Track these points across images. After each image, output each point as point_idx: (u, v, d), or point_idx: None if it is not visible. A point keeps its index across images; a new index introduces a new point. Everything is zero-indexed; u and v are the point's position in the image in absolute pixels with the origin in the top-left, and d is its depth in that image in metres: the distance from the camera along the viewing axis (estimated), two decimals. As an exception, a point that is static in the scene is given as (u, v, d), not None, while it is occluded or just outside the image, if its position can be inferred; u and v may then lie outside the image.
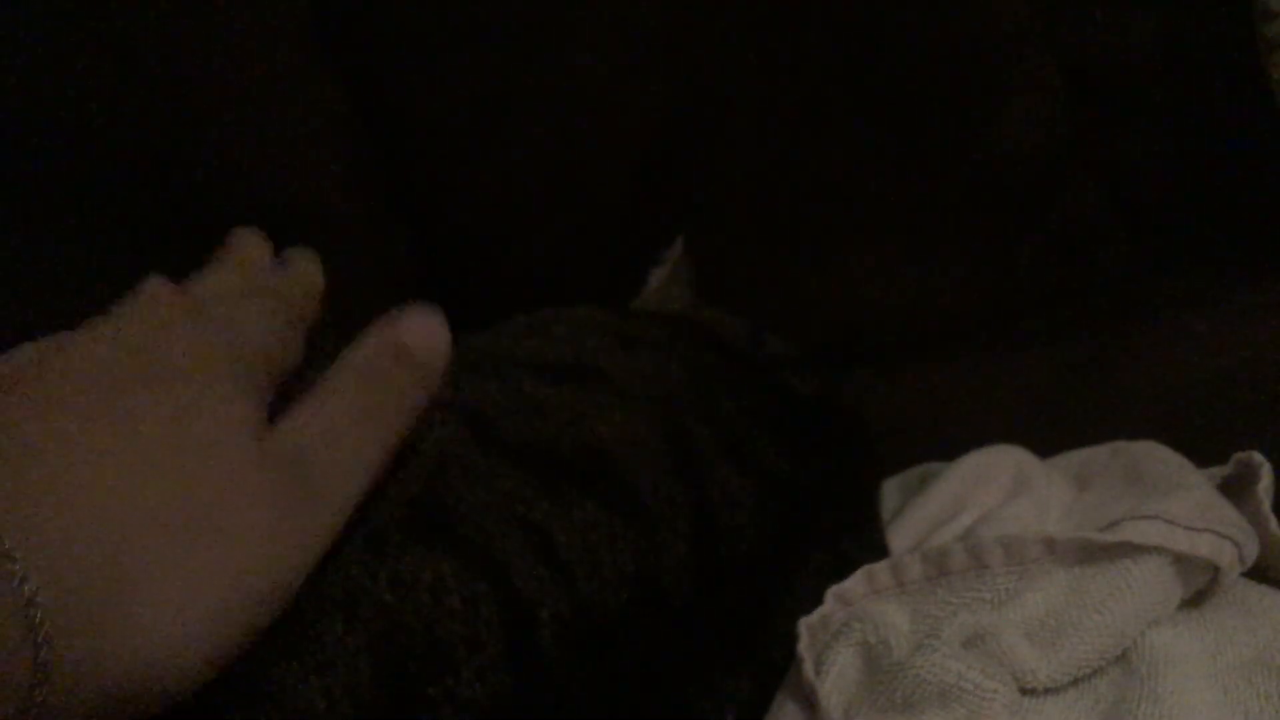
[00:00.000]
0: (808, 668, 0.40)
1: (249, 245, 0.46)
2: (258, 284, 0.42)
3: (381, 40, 0.75)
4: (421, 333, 0.39)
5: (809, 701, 0.40)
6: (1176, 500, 0.44)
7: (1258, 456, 0.49)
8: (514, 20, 0.74)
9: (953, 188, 0.76)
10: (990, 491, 0.50)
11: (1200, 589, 0.43)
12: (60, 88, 0.62)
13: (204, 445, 0.33)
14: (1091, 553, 0.42)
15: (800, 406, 0.47)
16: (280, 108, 0.68)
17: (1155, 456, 0.51)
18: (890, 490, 0.53)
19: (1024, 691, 0.40)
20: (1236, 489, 0.48)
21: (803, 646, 0.41)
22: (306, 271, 0.45)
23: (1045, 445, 0.55)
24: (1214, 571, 0.43)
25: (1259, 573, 0.45)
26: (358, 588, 0.33)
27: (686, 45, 0.74)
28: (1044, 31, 0.77)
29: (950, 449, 0.54)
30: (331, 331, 0.42)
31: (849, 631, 0.41)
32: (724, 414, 0.43)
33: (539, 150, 0.72)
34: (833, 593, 0.42)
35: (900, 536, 0.48)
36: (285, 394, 0.37)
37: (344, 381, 0.37)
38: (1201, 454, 0.51)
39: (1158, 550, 0.41)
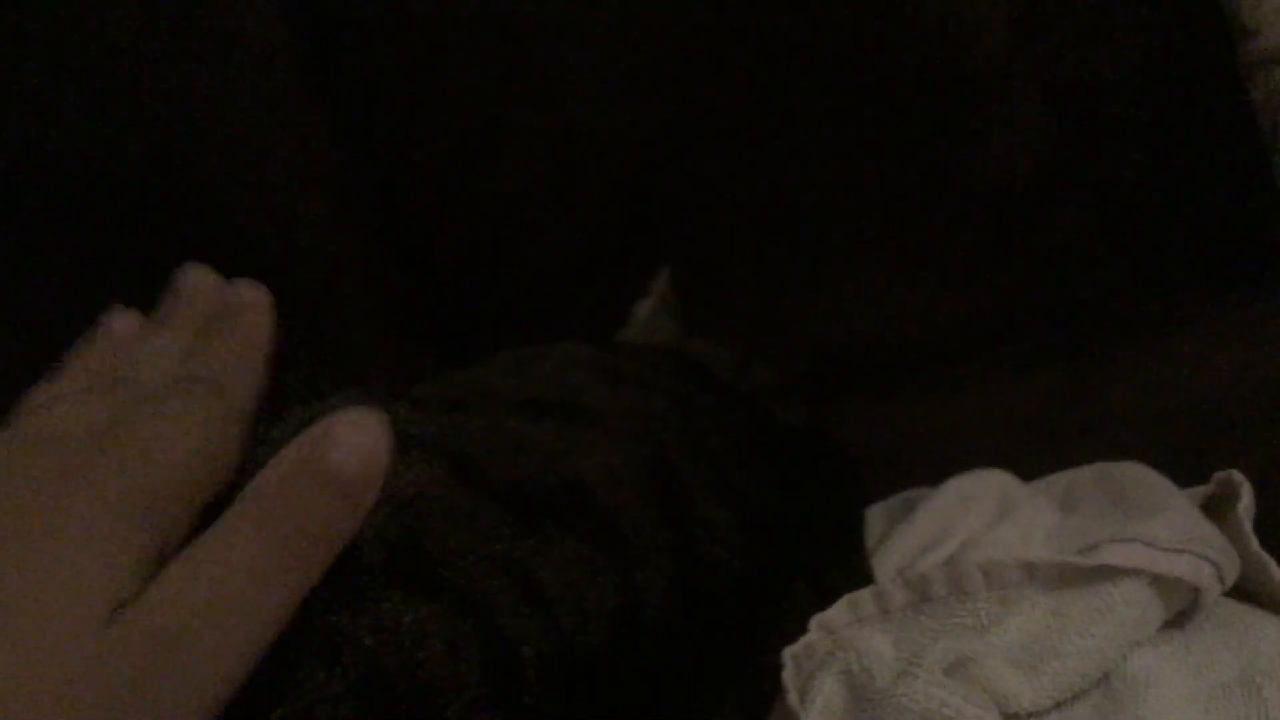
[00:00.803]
0: (793, 698, 0.40)
1: (196, 293, 0.42)
2: (193, 366, 0.38)
3: (370, 77, 0.76)
4: (352, 450, 0.32)
5: (796, 731, 0.40)
6: (1157, 522, 0.45)
7: (1237, 475, 0.49)
8: (498, 55, 0.75)
9: (939, 212, 0.77)
10: (975, 516, 0.51)
11: (1183, 610, 0.44)
12: (53, 128, 0.63)
13: (33, 645, 0.28)
14: (1072, 576, 0.42)
15: (785, 437, 0.48)
16: (270, 150, 0.69)
17: (1138, 478, 0.51)
18: (876, 516, 0.53)
19: (1007, 716, 0.40)
20: (1218, 508, 0.49)
21: (787, 676, 0.41)
22: (251, 333, 0.41)
23: (1032, 467, 0.55)
24: (1195, 593, 0.43)
25: (1244, 592, 0.46)
26: (339, 634, 0.33)
27: (673, 75, 0.75)
28: (1027, 55, 0.77)
29: (937, 474, 0.55)
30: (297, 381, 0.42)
31: (833, 660, 0.41)
32: (708, 448, 0.44)
33: (526, 182, 0.73)
34: (816, 621, 0.43)
35: (886, 563, 0.49)
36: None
37: (248, 521, 0.31)
38: (1186, 474, 0.52)
39: (1137, 573, 0.42)
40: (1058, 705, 0.41)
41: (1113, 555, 0.42)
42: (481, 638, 0.35)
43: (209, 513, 0.33)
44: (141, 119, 0.66)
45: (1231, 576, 0.44)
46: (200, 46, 0.68)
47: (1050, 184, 0.75)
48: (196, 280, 0.43)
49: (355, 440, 0.33)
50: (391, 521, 0.37)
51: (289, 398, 0.42)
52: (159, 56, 0.66)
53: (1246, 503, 0.48)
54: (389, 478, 0.34)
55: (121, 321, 0.40)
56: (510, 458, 0.40)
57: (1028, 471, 0.54)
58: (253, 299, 0.42)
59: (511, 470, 0.39)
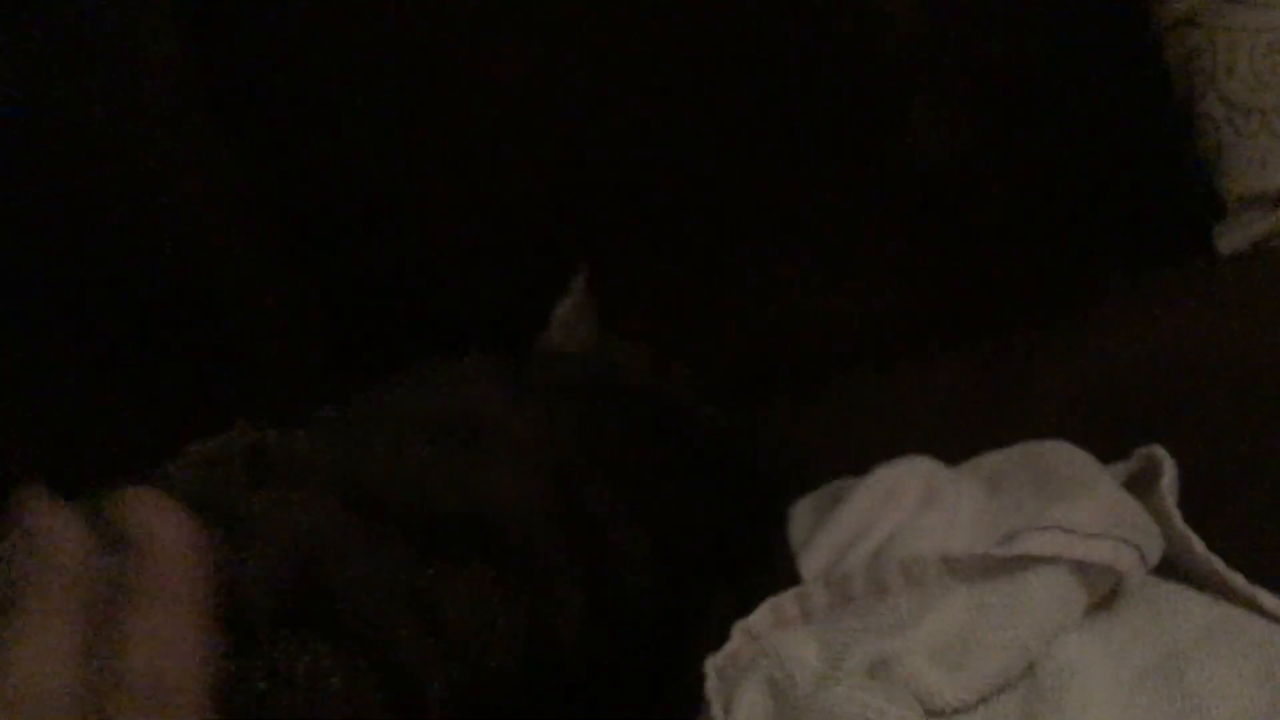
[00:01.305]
0: (716, 710, 0.40)
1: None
2: None
3: (274, 95, 0.75)
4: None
5: (722, 743, 0.40)
6: (1077, 505, 0.44)
7: (1160, 451, 0.49)
8: (411, 58, 0.74)
9: (862, 200, 0.76)
10: (900, 506, 0.50)
11: (1106, 593, 0.44)
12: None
13: None
14: (991, 568, 0.42)
15: (700, 441, 0.47)
16: (181, 181, 0.68)
17: (1062, 457, 0.51)
18: (804, 510, 0.53)
19: (932, 714, 0.40)
20: (1143, 484, 0.49)
21: (710, 688, 0.40)
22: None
23: (960, 451, 0.55)
24: (1118, 576, 0.43)
25: (1170, 569, 0.46)
26: (232, 685, 0.32)
27: (588, 73, 0.74)
28: (942, 36, 0.77)
29: (867, 464, 0.54)
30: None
31: (755, 668, 0.41)
32: (619, 464, 0.43)
33: (441, 186, 0.72)
34: (739, 628, 0.42)
35: (812, 561, 0.48)
36: None
37: None
38: (1111, 450, 0.51)
39: (1057, 560, 0.41)
40: (984, 700, 0.40)
41: (1031, 543, 0.41)
42: (382, 674, 0.34)
43: None
44: (38, 141, 0.64)
45: (1154, 557, 0.44)
46: (99, 68, 0.67)
47: (971, 167, 0.75)
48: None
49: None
50: (284, 561, 0.36)
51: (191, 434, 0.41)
52: (59, 76, 0.65)
53: (1169, 478, 0.48)
54: (280, 513, 0.34)
55: None
56: (410, 485, 0.39)
57: (956, 455, 0.54)
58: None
59: (411, 498, 0.38)
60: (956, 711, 0.40)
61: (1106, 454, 0.51)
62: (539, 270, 0.67)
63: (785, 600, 0.43)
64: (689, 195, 0.72)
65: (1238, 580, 0.43)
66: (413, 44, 0.74)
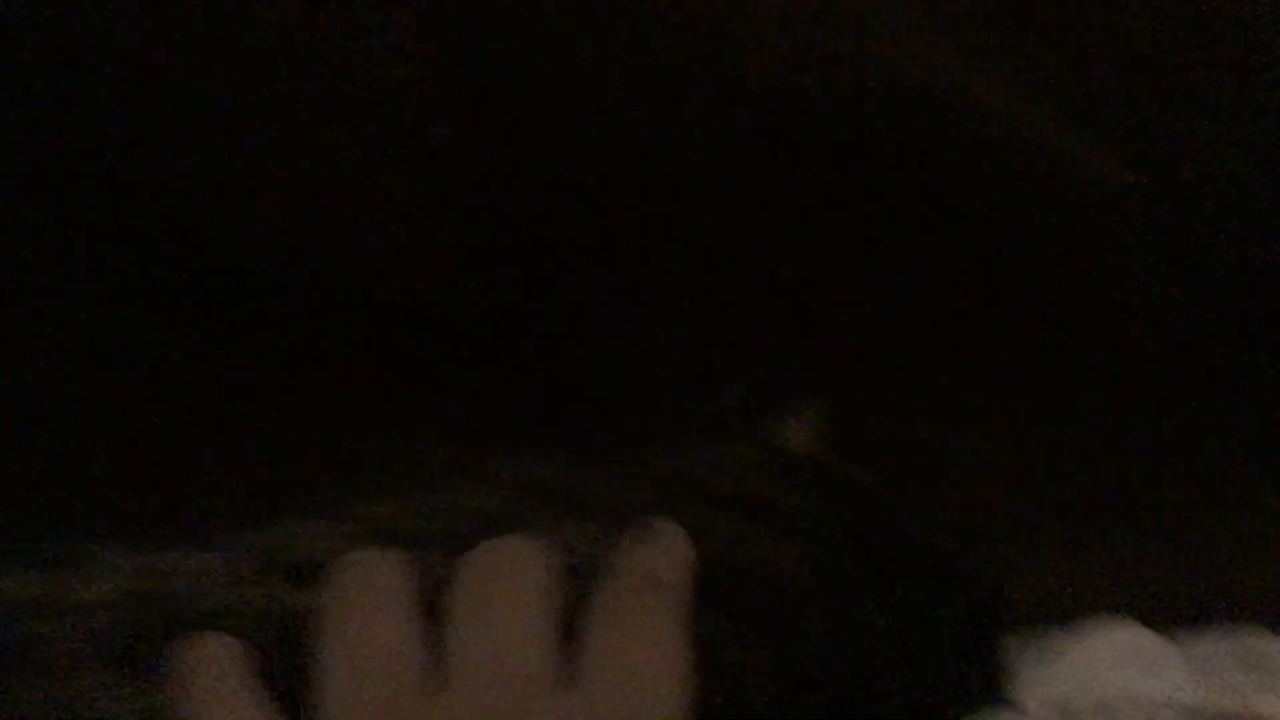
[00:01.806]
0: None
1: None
2: None
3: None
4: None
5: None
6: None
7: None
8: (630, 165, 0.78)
9: (1064, 379, 0.78)
10: (1116, 666, 0.51)
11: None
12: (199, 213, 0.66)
13: None
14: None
15: (934, 558, 0.49)
16: (389, 217, 0.71)
17: (1271, 643, 0.52)
18: (1017, 653, 0.54)
19: None
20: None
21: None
22: None
23: (1167, 626, 0.56)
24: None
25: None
26: None
27: (804, 206, 0.78)
28: (1161, 233, 0.79)
29: (1074, 621, 0.56)
30: None
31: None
32: (869, 558, 0.45)
33: (660, 285, 0.75)
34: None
35: (1030, 701, 0.49)
36: None
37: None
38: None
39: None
40: None
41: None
42: None
43: None
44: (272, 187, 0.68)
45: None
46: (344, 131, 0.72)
47: (1174, 361, 0.76)
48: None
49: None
50: None
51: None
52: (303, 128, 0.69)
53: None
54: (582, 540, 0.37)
55: None
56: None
57: (1164, 630, 0.55)
58: None
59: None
60: None
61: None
62: (770, 385, 0.70)
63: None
64: (912, 335, 0.74)
65: None
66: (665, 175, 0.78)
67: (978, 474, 0.72)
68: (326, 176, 0.69)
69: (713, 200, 0.75)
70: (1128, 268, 0.80)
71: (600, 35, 0.74)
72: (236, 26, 0.68)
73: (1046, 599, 0.61)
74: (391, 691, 0.33)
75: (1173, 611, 0.57)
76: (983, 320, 0.76)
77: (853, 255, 0.76)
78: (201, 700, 0.34)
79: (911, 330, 0.75)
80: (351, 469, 0.66)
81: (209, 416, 0.64)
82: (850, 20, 0.76)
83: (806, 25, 0.76)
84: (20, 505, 0.57)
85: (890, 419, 0.72)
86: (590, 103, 0.73)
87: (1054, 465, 0.76)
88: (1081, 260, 0.77)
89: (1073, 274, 0.77)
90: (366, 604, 0.34)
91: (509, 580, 0.35)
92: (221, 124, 0.68)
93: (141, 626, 0.37)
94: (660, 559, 0.36)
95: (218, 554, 0.41)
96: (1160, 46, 0.82)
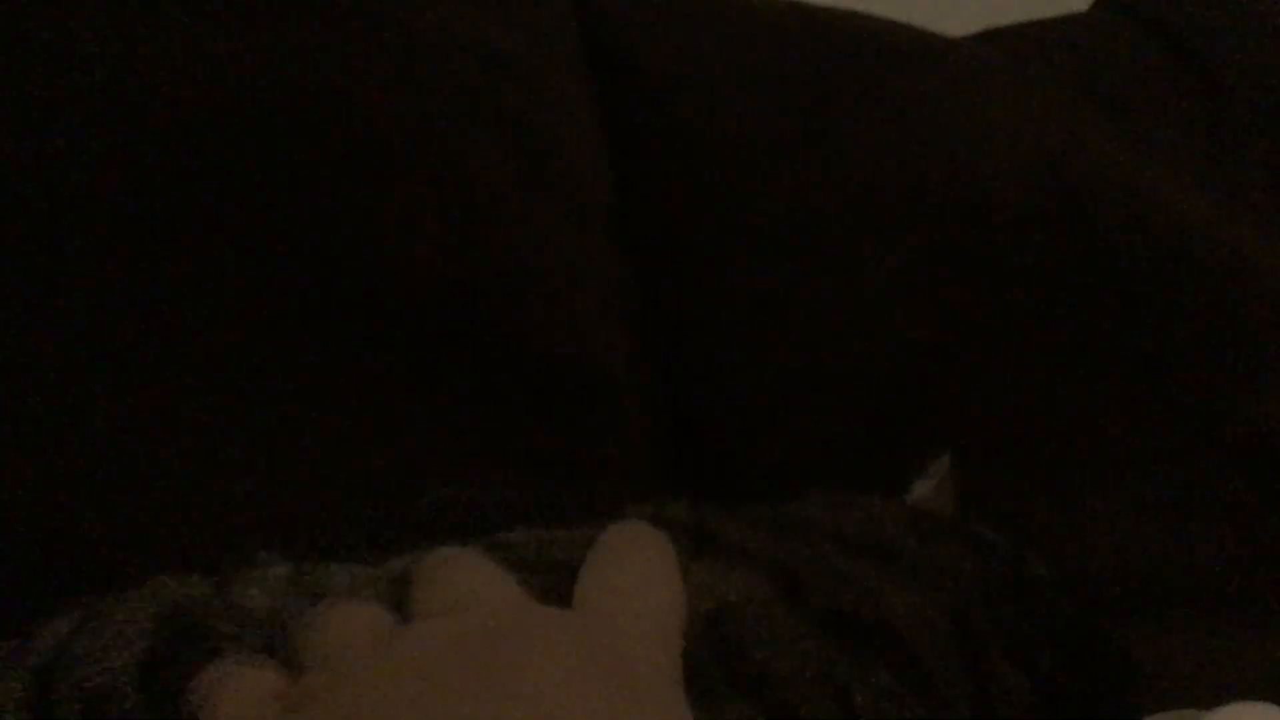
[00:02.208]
0: None
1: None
2: None
3: (672, 238, 0.82)
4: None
5: None
6: None
7: None
8: (794, 236, 0.80)
9: (1201, 453, 0.77)
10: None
11: None
12: (414, 251, 0.70)
13: None
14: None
15: (1073, 626, 0.49)
16: (587, 288, 0.75)
17: None
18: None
19: None
20: None
21: None
22: None
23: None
24: None
25: None
26: None
27: (950, 277, 0.78)
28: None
29: (1194, 700, 0.54)
30: None
31: None
32: (1005, 617, 0.45)
33: (811, 355, 0.77)
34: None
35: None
36: None
37: None
38: None
39: None
40: None
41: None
42: None
43: None
44: (484, 240, 0.72)
45: None
46: (540, 180, 0.75)
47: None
48: None
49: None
50: (701, 615, 0.39)
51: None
52: (509, 189, 0.73)
53: None
54: (712, 579, 0.38)
55: None
56: (830, 585, 0.42)
57: None
58: None
59: (830, 598, 0.42)
60: None
61: None
62: (900, 446, 0.71)
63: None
64: (1041, 411, 0.75)
65: None
66: (804, 215, 0.80)
67: (1118, 546, 0.72)
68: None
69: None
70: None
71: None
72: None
73: (1182, 676, 0.60)
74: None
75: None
76: (1122, 388, 0.75)
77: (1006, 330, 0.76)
78: None
79: (1059, 401, 0.75)
80: (483, 500, 0.67)
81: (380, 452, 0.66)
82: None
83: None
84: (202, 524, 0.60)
85: (1025, 485, 0.72)
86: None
87: (1194, 543, 0.75)
88: (1235, 346, 0.77)
89: (1224, 358, 0.77)
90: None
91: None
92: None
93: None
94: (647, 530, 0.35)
95: (360, 568, 0.43)
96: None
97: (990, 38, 0.94)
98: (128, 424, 0.62)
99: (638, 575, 0.33)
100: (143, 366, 0.64)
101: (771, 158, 0.80)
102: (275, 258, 0.67)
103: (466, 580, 0.33)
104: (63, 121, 0.63)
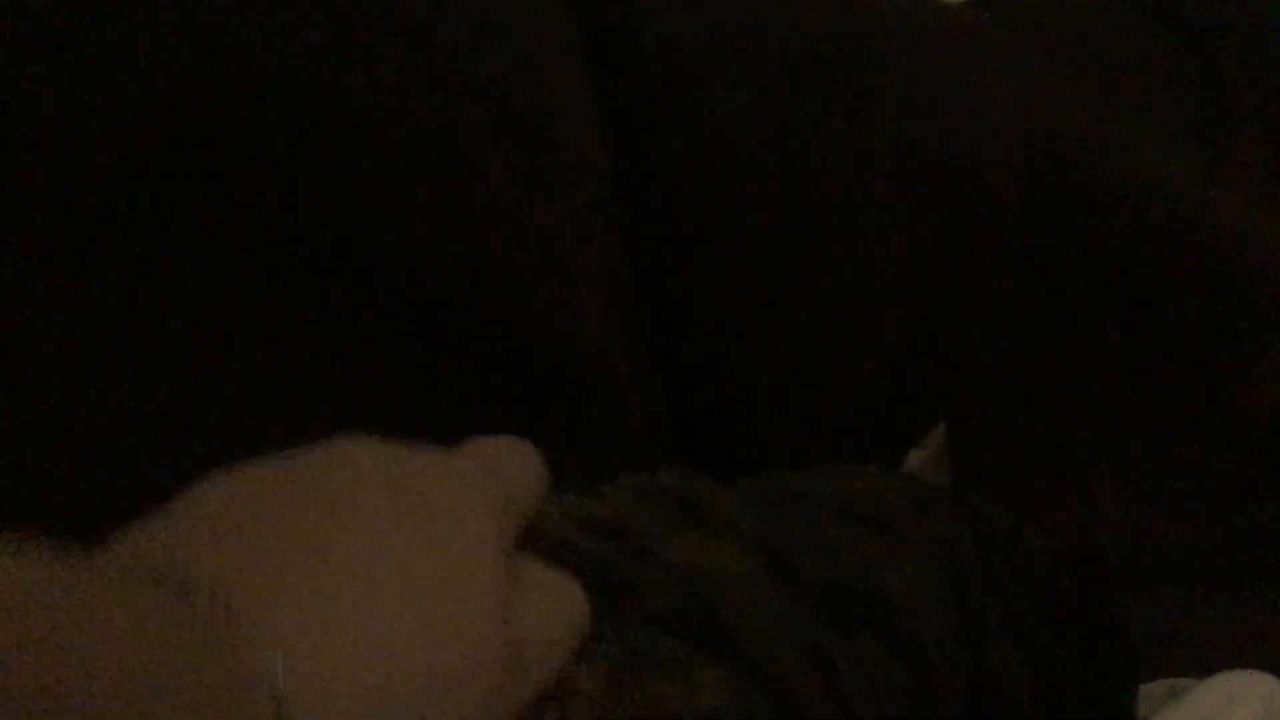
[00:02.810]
0: None
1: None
2: None
3: (670, 230, 0.82)
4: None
5: None
6: None
7: None
8: (792, 221, 0.80)
9: (1196, 431, 0.77)
10: (1240, 715, 0.51)
11: None
12: (408, 232, 0.69)
13: (459, 611, 0.32)
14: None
15: (1070, 600, 0.49)
16: (583, 275, 0.75)
17: None
18: (1146, 699, 0.53)
19: None
20: None
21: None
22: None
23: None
24: None
25: None
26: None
27: (947, 260, 0.78)
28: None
29: (1187, 673, 0.55)
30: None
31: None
32: (1005, 592, 0.45)
33: (808, 333, 0.77)
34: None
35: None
36: None
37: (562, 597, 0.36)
38: None
39: None
40: None
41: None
42: (772, 707, 0.37)
43: None
44: (479, 224, 0.72)
45: None
46: (541, 173, 0.75)
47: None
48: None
49: None
50: (684, 584, 0.39)
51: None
52: (504, 173, 0.73)
53: None
54: (698, 553, 0.38)
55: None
56: (822, 558, 0.42)
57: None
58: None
59: (823, 570, 0.42)
60: None
61: None
62: (895, 420, 0.71)
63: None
64: (1035, 389, 0.75)
65: None
66: (802, 196, 0.80)
67: (1113, 522, 0.72)
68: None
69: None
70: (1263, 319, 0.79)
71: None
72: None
73: (1175, 648, 0.60)
74: None
75: None
76: (1119, 364, 0.75)
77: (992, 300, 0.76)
78: None
79: (1054, 378, 0.75)
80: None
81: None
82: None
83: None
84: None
85: (1021, 463, 0.72)
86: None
87: (1189, 519, 0.75)
88: (1231, 321, 0.77)
89: (1220, 333, 0.77)
90: None
91: None
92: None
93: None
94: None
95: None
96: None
97: (985, 2, 0.94)
98: (120, 414, 0.62)
99: (490, 451, 0.37)
100: (130, 357, 0.63)
101: (772, 142, 0.80)
102: (262, 246, 0.66)
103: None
104: (56, 96, 0.63)
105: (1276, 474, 0.76)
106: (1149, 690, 0.54)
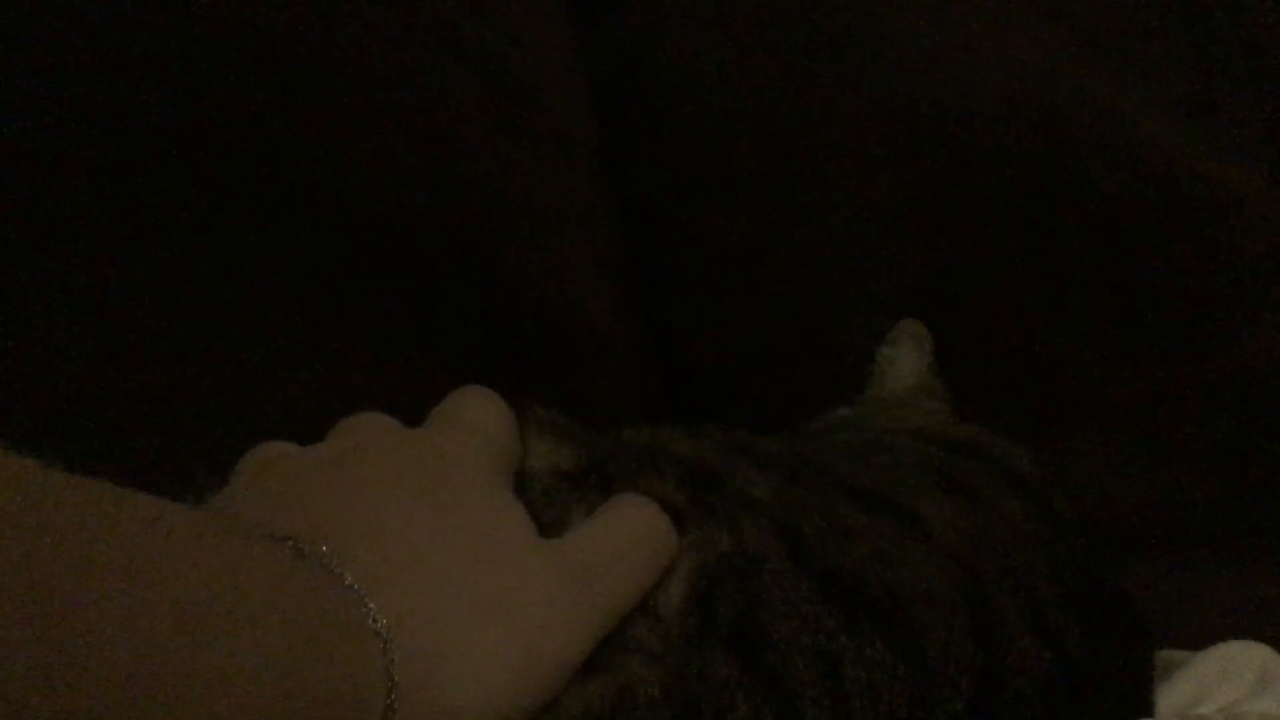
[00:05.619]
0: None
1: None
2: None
3: (655, 189, 0.82)
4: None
5: None
6: None
7: None
8: (779, 179, 0.80)
9: (1188, 392, 0.78)
10: (1234, 686, 0.51)
11: None
12: (394, 193, 0.69)
13: (501, 541, 0.39)
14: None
15: (1088, 574, 0.49)
16: (570, 234, 0.74)
17: None
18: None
19: None
20: None
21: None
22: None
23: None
24: None
25: None
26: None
27: (934, 218, 0.78)
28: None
29: (1182, 639, 0.55)
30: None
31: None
32: (1030, 580, 0.45)
33: (793, 298, 0.77)
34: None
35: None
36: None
37: (625, 516, 0.42)
38: None
39: None
40: None
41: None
42: (776, 708, 0.37)
43: None
44: (464, 184, 0.71)
45: None
46: (523, 133, 0.74)
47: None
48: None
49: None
50: (710, 581, 0.40)
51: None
52: (490, 133, 0.72)
53: None
54: (710, 535, 0.41)
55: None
56: (837, 545, 0.42)
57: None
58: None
59: (837, 556, 0.42)
60: None
61: None
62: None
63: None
64: (1027, 350, 0.75)
65: None
66: (786, 160, 0.80)
67: (1104, 486, 0.72)
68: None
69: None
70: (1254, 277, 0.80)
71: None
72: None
73: (1170, 617, 0.61)
74: None
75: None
76: (1113, 333, 0.76)
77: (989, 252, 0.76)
78: None
79: (1044, 340, 0.75)
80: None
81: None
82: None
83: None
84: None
85: (1010, 426, 0.73)
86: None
87: (1180, 483, 0.76)
88: (1221, 282, 0.77)
89: (1210, 294, 0.77)
90: None
91: None
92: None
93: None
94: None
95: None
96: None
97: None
98: (111, 375, 0.62)
99: (471, 406, 0.44)
100: (122, 324, 0.63)
101: (756, 101, 0.79)
102: (249, 205, 0.65)
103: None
104: (45, 70, 0.62)
105: (1270, 434, 0.77)
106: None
